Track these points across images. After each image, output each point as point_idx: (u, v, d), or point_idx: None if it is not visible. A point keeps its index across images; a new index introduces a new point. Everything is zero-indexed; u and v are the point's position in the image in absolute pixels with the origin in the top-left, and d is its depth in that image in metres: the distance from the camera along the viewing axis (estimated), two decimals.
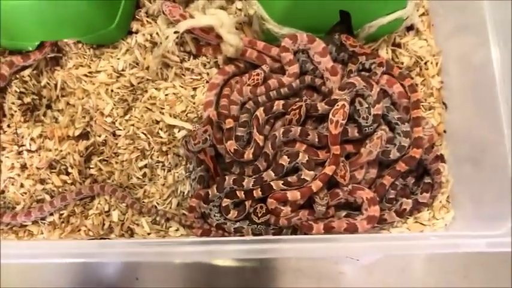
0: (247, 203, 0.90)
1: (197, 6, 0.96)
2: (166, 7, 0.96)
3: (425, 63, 1.03)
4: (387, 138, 0.91)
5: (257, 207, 0.90)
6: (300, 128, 0.90)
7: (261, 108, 0.92)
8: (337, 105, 0.87)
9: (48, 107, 1.02)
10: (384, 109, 0.92)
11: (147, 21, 1.02)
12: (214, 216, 0.92)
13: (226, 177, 0.90)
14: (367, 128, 0.89)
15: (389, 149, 0.91)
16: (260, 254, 0.81)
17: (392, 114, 0.93)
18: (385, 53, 1.02)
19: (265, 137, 0.91)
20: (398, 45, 1.04)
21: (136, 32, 1.02)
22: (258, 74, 0.95)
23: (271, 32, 0.97)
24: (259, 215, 0.89)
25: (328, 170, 0.87)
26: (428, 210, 0.97)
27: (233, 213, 0.90)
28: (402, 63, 1.02)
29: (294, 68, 0.94)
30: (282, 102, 0.92)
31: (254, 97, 0.94)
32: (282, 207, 0.88)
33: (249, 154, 0.89)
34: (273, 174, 0.88)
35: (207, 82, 0.99)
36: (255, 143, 0.89)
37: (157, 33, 0.99)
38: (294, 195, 0.87)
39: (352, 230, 0.88)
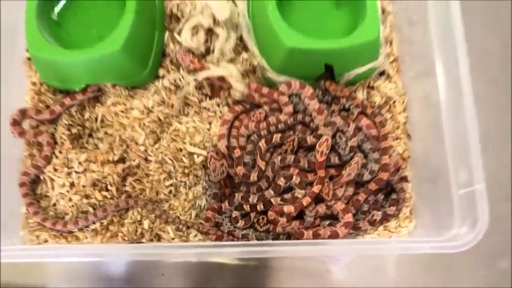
0: (252, 215, 1.13)
1: (212, 59, 1.20)
2: (179, 55, 1.20)
3: (394, 102, 1.25)
4: (362, 164, 1.14)
5: (259, 218, 1.12)
6: (293, 156, 1.13)
7: (263, 140, 1.15)
8: (322, 139, 1.10)
9: (90, 135, 1.24)
10: (359, 141, 1.16)
11: (171, 68, 1.25)
12: (226, 224, 1.15)
13: (236, 194, 1.14)
14: (345, 157, 1.13)
15: (363, 172, 1.14)
16: (261, 254, 1.02)
17: (365, 145, 1.16)
18: (361, 94, 1.23)
19: (266, 163, 1.15)
20: (372, 88, 1.25)
21: (163, 77, 1.24)
22: (260, 113, 1.19)
23: (271, 79, 1.20)
24: (261, 225, 1.12)
25: (316, 188, 1.10)
26: (395, 220, 1.18)
27: (241, 223, 1.13)
28: (375, 102, 1.24)
29: (289, 108, 1.17)
30: (279, 135, 1.16)
31: (257, 131, 1.17)
32: (280, 218, 1.10)
33: (254, 177, 1.12)
34: (272, 192, 1.12)
35: (220, 118, 1.22)
36: (258, 168, 1.13)
37: (180, 79, 1.22)
38: (289, 208, 1.10)
39: (334, 236, 1.09)
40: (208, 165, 1.15)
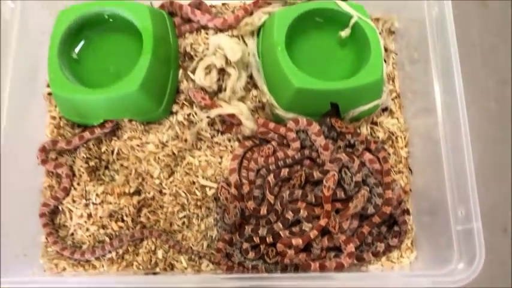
0: (262, 247, 1.19)
1: (224, 97, 1.26)
2: (191, 92, 1.27)
3: (396, 137, 1.31)
4: (367, 197, 1.20)
5: (269, 251, 1.17)
6: (301, 190, 1.19)
7: (272, 175, 1.21)
8: (329, 175, 1.16)
9: (106, 167, 1.30)
10: (363, 176, 1.21)
11: (185, 104, 1.31)
12: (237, 255, 1.20)
13: (246, 227, 1.19)
14: (350, 191, 1.18)
15: (367, 206, 1.19)
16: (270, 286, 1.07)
17: (369, 180, 1.21)
18: (365, 130, 1.30)
19: (275, 197, 1.21)
20: (376, 123, 1.32)
21: (177, 113, 1.30)
22: (269, 148, 1.24)
23: (280, 115, 1.26)
24: (271, 257, 1.17)
25: (322, 222, 1.16)
26: (397, 251, 1.23)
27: (251, 254, 1.19)
28: (378, 137, 1.30)
29: (296, 144, 1.23)
30: (287, 169, 1.22)
31: (266, 165, 1.23)
32: (288, 250, 1.16)
33: (263, 210, 1.18)
34: (281, 225, 1.17)
35: (231, 152, 1.28)
36: (268, 202, 1.19)
37: (193, 115, 1.29)
38: (297, 241, 1.15)
39: (340, 267, 1.15)
40: (219, 195, 1.21)
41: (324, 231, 1.18)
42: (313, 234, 1.15)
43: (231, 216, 1.17)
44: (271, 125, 1.26)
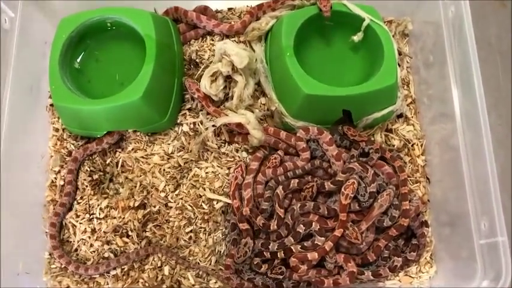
0: (280, 256, 1.11)
1: (231, 105, 1.20)
2: (187, 82, 1.22)
3: (412, 145, 1.24)
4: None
5: (276, 267, 1.10)
6: (313, 203, 1.13)
7: (280, 187, 1.14)
8: (349, 182, 1.09)
9: (111, 180, 1.25)
10: (377, 186, 1.14)
11: (190, 114, 1.26)
12: (246, 272, 1.14)
13: (256, 241, 1.13)
14: (364, 203, 1.12)
15: (383, 218, 1.13)
16: None
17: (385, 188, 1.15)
18: (379, 137, 1.23)
19: (285, 210, 1.14)
20: (390, 131, 1.25)
21: (181, 123, 1.25)
22: (275, 158, 1.18)
23: (289, 124, 1.20)
24: (273, 272, 1.10)
25: (338, 232, 1.09)
26: (415, 265, 1.16)
27: (264, 267, 1.12)
28: (393, 145, 1.23)
29: (306, 154, 1.17)
30: (297, 180, 1.15)
31: (275, 177, 1.17)
32: (301, 266, 1.10)
33: (273, 225, 1.12)
34: (292, 239, 1.11)
35: (237, 163, 1.21)
36: (277, 216, 1.12)
37: (198, 124, 1.24)
38: (313, 255, 1.08)
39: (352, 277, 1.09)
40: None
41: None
42: (328, 246, 1.09)
43: (240, 255, 1.11)
44: (283, 134, 1.20)
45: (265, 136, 1.18)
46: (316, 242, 1.10)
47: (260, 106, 1.25)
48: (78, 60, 1.24)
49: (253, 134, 1.16)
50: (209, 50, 1.30)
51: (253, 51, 1.26)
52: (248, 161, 1.23)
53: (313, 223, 1.11)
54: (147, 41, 1.15)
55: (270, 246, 1.11)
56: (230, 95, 1.23)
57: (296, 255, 1.10)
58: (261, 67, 1.23)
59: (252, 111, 1.20)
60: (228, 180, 1.21)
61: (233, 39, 1.31)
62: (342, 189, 1.10)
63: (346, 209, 1.10)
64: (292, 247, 1.11)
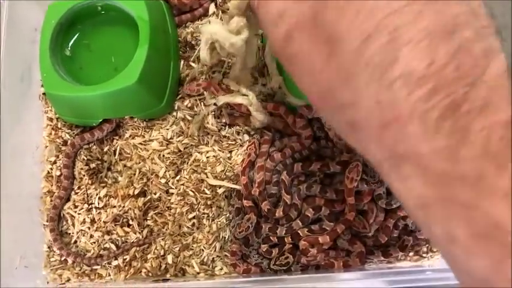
0: (287, 241, 1.06)
1: (234, 75, 1.10)
2: (186, 90, 1.16)
3: None
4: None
5: (282, 256, 1.05)
6: (320, 185, 1.07)
7: (285, 172, 1.09)
8: (352, 165, 1.03)
9: (109, 169, 1.19)
10: None
11: (187, 97, 1.19)
12: (253, 257, 1.09)
13: (263, 225, 1.08)
14: (376, 185, 1.05)
15: (390, 199, 1.07)
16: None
17: None
18: None
19: (291, 195, 1.08)
20: None
21: (179, 109, 1.18)
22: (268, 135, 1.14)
23: (292, 104, 1.14)
24: (276, 263, 1.04)
25: (350, 216, 1.03)
26: (426, 244, 1.11)
27: (275, 251, 1.07)
28: None
29: (308, 132, 1.10)
30: (300, 164, 1.09)
31: (283, 160, 1.11)
32: (310, 249, 1.04)
33: (279, 212, 1.06)
34: (300, 223, 1.05)
35: (241, 146, 1.16)
36: (284, 202, 1.06)
37: (196, 106, 1.18)
38: (324, 238, 1.04)
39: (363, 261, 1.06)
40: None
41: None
42: (340, 228, 1.03)
43: (241, 230, 1.05)
44: (282, 109, 1.13)
45: (268, 118, 1.13)
46: (324, 227, 1.05)
47: (261, 86, 1.19)
48: (69, 46, 1.17)
49: (255, 116, 1.10)
50: None
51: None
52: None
53: (323, 208, 1.06)
54: (140, 23, 1.08)
55: (277, 231, 1.06)
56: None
57: (307, 238, 1.05)
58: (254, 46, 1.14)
59: (254, 89, 1.14)
60: (230, 164, 1.16)
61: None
62: (346, 173, 1.03)
63: (352, 192, 1.03)
64: (299, 231, 1.05)
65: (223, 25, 0.93)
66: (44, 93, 1.23)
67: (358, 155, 1.06)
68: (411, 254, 1.11)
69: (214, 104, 1.12)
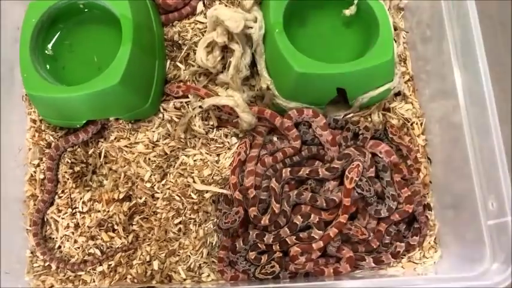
0: (275, 248, 1.03)
1: (226, 77, 1.10)
2: (167, 90, 1.14)
3: (412, 124, 1.15)
4: (378, 200, 1.05)
5: (266, 266, 1.01)
6: (310, 194, 1.03)
7: (273, 179, 1.04)
8: (353, 165, 1.00)
9: (94, 172, 1.15)
10: (378, 171, 1.05)
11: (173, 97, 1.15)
12: (241, 263, 1.05)
13: (250, 232, 1.03)
14: (371, 198, 1.03)
15: (380, 208, 1.04)
16: None
17: (384, 176, 1.05)
18: (376, 117, 1.12)
19: (281, 204, 1.03)
20: (388, 110, 1.15)
21: (166, 110, 1.14)
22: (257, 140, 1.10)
23: (281, 105, 1.10)
24: (261, 271, 1.01)
25: (342, 218, 1.00)
26: (419, 250, 1.07)
27: (264, 258, 1.03)
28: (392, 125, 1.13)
29: (294, 132, 1.07)
30: (288, 169, 1.05)
31: (274, 165, 1.07)
32: (300, 257, 1.01)
33: (265, 220, 1.02)
34: (288, 231, 1.01)
35: (229, 149, 1.12)
36: (272, 211, 1.02)
37: (183, 107, 1.14)
38: (318, 244, 1.00)
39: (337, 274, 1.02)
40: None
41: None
42: (333, 233, 1.00)
43: (228, 221, 1.01)
44: (267, 112, 1.09)
45: (255, 119, 1.09)
46: (312, 235, 1.01)
47: (250, 88, 1.15)
48: (50, 46, 1.13)
49: (242, 118, 1.06)
50: (191, 29, 1.19)
51: (256, 18, 1.10)
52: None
53: (312, 215, 1.02)
54: (123, 21, 1.04)
55: (265, 238, 1.02)
56: (227, 65, 1.11)
57: (300, 245, 1.01)
58: (260, 36, 1.10)
59: (244, 91, 1.10)
60: (218, 167, 1.12)
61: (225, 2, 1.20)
62: (346, 173, 0.99)
63: (350, 193, 0.99)
64: (287, 239, 1.02)
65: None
66: (27, 94, 1.19)
67: (357, 158, 1.02)
68: (404, 260, 1.08)
69: (200, 107, 1.09)
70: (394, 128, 1.09)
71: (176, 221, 1.10)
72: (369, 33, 1.11)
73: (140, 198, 1.11)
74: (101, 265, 1.11)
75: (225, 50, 1.11)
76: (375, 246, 1.05)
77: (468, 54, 1.00)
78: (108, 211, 1.11)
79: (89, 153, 1.16)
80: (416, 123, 1.16)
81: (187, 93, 1.10)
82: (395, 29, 1.21)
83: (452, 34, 1.06)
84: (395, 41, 1.19)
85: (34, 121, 1.19)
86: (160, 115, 1.15)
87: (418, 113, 1.17)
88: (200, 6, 1.20)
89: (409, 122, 1.16)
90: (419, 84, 1.20)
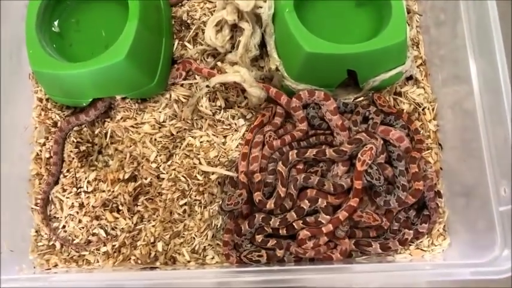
0: (282, 232, 1.00)
1: (235, 56, 1.07)
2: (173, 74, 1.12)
3: (423, 109, 1.11)
4: (387, 190, 1.01)
5: (253, 253, 0.99)
6: (318, 178, 1.00)
7: (280, 162, 1.01)
8: (366, 147, 0.96)
9: (99, 152, 1.12)
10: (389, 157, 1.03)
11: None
12: (245, 246, 1.03)
13: (256, 215, 1.00)
14: (381, 187, 0.99)
15: (388, 199, 1.00)
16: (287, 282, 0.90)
17: (396, 164, 1.01)
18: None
19: (287, 188, 1.00)
20: (399, 94, 1.11)
21: (172, 89, 1.12)
22: (270, 136, 1.06)
23: (290, 87, 1.07)
24: (247, 255, 0.99)
25: (353, 202, 0.98)
26: (427, 238, 1.05)
27: (271, 242, 1.01)
28: (403, 110, 1.10)
29: (301, 114, 1.04)
30: (295, 151, 1.02)
31: (280, 148, 1.05)
32: (307, 241, 0.99)
33: (270, 204, 0.99)
34: (295, 215, 0.98)
35: (236, 131, 1.09)
36: (277, 194, 0.99)
37: (190, 87, 1.12)
38: (327, 227, 0.97)
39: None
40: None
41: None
42: (342, 216, 0.97)
43: (230, 203, 0.98)
44: (273, 91, 1.06)
45: (264, 93, 1.06)
46: (319, 219, 0.98)
47: (258, 69, 1.12)
48: (56, 23, 1.10)
49: (250, 93, 1.03)
50: (200, 8, 1.16)
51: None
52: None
53: (320, 200, 0.99)
54: None
55: (271, 222, 1.00)
56: (236, 44, 1.08)
57: (310, 229, 0.98)
58: (269, 16, 1.07)
59: (252, 71, 1.07)
60: (224, 149, 1.09)
61: None
62: (359, 155, 0.96)
63: (361, 176, 0.96)
64: (294, 224, 0.99)
65: None
66: (34, 72, 1.17)
67: (354, 147, 0.99)
68: (412, 247, 1.05)
69: (207, 86, 1.06)
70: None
71: (181, 202, 1.07)
72: (381, 14, 1.07)
73: (145, 178, 1.09)
74: (105, 245, 1.09)
75: (234, 29, 1.08)
76: (385, 228, 1.03)
77: (484, 38, 0.96)
78: (113, 191, 1.09)
79: (95, 133, 1.13)
80: (428, 109, 1.12)
81: (185, 70, 1.09)
82: (408, 12, 1.17)
83: (468, 18, 1.01)
84: (408, 25, 1.15)
85: (40, 100, 1.17)
86: (168, 95, 1.12)
87: (430, 98, 1.13)
88: None
89: (420, 107, 1.12)
90: (432, 68, 1.16)
